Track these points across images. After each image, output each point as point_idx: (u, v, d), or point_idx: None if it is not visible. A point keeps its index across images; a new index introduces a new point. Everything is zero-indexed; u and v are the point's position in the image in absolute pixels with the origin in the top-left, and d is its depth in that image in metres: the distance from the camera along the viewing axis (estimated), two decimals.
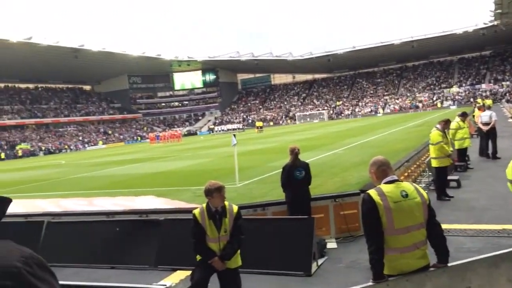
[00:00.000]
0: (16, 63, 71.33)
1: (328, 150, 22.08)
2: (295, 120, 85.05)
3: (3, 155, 60.77)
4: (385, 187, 3.38)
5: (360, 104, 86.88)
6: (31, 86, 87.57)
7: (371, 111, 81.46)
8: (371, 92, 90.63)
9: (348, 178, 12.80)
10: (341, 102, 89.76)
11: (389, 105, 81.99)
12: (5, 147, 65.41)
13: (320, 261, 6.41)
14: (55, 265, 6.54)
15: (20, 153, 62.72)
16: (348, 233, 7.49)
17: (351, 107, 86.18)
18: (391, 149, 17.97)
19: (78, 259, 7.30)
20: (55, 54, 70.96)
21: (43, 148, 67.02)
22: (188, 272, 5.35)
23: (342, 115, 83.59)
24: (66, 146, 69.75)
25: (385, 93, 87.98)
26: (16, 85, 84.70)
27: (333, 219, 7.60)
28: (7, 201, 0.76)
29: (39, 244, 7.59)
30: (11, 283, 0.63)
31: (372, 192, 3.35)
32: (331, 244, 7.22)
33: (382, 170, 3.50)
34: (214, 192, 4.66)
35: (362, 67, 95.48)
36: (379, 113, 78.71)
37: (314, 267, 6.16)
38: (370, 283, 3.28)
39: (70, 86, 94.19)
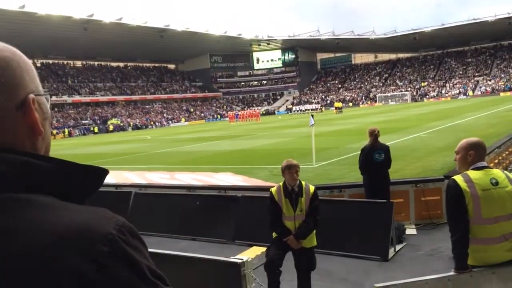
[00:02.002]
0: (109, 43, 75.99)
1: (411, 133, 21.19)
2: (375, 101, 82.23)
3: (96, 129, 65.59)
4: (473, 174, 3.18)
5: (447, 85, 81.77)
6: (121, 64, 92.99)
7: (460, 92, 76.38)
8: (460, 72, 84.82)
9: (432, 163, 12.25)
10: (426, 83, 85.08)
11: (480, 87, 76.32)
12: (98, 121, 70.52)
13: (398, 247, 6.25)
14: (141, 233, 7.07)
15: (111, 127, 67.29)
16: (429, 220, 7.19)
17: (437, 89, 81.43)
18: (480, 133, 16.80)
19: (161, 229, 7.75)
20: (143, 33, 74.49)
21: (131, 123, 71.31)
22: (264, 248, 5.48)
23: (427, 96, 79.30)
24: (152, 122, 73.58)
25: (476, 74, 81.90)
26: (108, 63, 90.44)
27: (414, 204, 7.34)
28: (105, 172, 0.83)
29: (128, 213, 8.17)
30: (107, 249, 0.68)
31: (458, 178, 3.18)
32: (411, 231, 6.99)
33: (480, 155, 3.28)
34: (285, 170, 4.72)
35: (451, 46, 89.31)
36: (469, 95, 73.60)
37: (391, 252, 6.02)
38: (452, 273, 3.15)
39: (156, 65, 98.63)
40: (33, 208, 0.70)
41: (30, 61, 0.83)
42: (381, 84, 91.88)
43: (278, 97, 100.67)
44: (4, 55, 0.78)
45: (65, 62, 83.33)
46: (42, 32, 62.79)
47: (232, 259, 4.02)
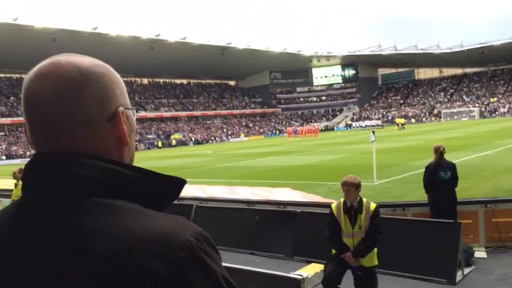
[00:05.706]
0: (173, 61, 79.09)
1: (479, 151, 20.14)
2: (440, 117, 78.95)
3: (160, 144, 68.02)
4: None
5: None
6: (184, 81, 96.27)
7: None
8: None
9: (502, 182, 11.59)
10: (495, 99, 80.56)
11: None
12: (162, 136, 73.17)
13: (466, 270, 5.92)
14: None
15: (174, 142, 69.51)
16: (501, 243, 6.77)
17: (507, 105, 76.86)
18: None
19: (221, 242, 7.85)
20: (205, 52, 76.86)
21: (193, 138, 73.28)
22: (323, 266, 5.41)
23: (497, 113, 75.03)
24: (213, 137, 75.20)
25: None
26: (173, 80, 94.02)
27: (483, 226, 6.95)
28: (184, 182, 0.88)
29: None
30: (185, 255, 0.72)
31: None
32: (480, 253, 6.62)
33: None
34: (342, 185, 4.70)
35: None
36: None
37: (459, 276, 5.72)
38: None
39: (217, 81, 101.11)
40: (119, 213, 0.76)
41: (121, 78, 0.91)
42: (446, 100, 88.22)
43: (338, 113, 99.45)
44: (100, 70, 0.86)
45: (132, 79, 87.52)
46: (112, 51, 66.39)
47: (292, 275, 4.00)
